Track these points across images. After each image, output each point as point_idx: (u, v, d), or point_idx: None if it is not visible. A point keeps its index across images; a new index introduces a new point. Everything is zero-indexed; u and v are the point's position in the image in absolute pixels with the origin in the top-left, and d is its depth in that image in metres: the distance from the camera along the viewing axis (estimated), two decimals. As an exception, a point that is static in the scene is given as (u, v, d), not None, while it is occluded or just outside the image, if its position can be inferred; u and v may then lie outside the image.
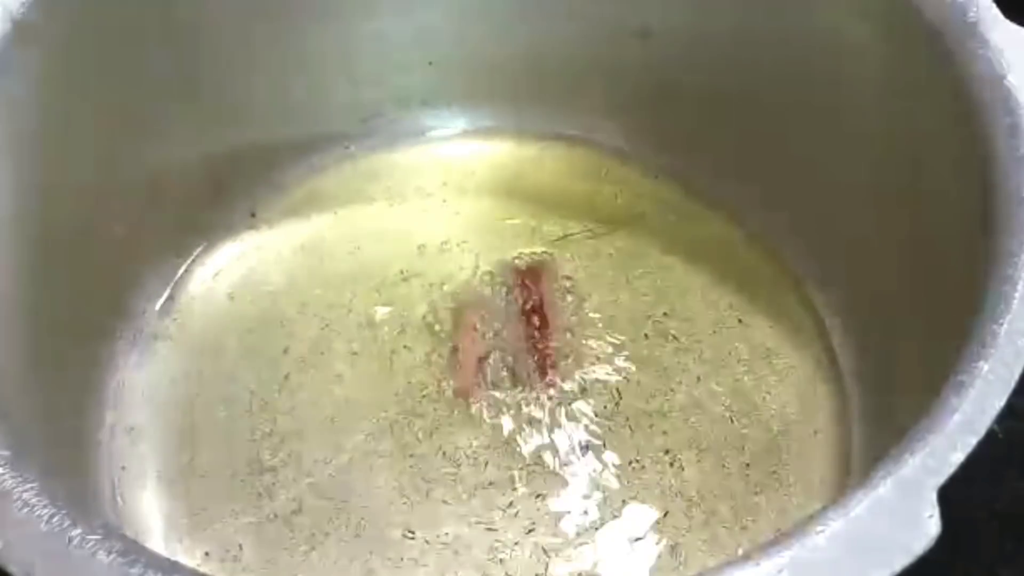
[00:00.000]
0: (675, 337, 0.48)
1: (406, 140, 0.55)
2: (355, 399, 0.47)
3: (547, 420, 0.46)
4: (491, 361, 0.47)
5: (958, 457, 0.30)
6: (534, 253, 0.51)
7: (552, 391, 0.46)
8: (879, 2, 0.42)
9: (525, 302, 0.49)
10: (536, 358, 0.47)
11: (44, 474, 0.31)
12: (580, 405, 0.46)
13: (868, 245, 0.46)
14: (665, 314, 0.49)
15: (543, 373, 0.47)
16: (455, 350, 0.47)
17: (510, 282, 0.50)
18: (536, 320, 0.48)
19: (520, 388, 0.46)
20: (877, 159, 0.44)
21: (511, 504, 0.44)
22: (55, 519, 0.29)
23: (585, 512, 0.43)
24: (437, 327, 0.49)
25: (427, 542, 0.43)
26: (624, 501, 0.44)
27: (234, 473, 0.45)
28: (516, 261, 0.51)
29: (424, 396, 0.47)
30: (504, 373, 0.47)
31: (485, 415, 0.46)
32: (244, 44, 0.49)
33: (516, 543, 0.43)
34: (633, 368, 0.47)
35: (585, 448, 0.45)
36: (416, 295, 0.50)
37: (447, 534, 0.43)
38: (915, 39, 0.40)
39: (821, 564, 0.28)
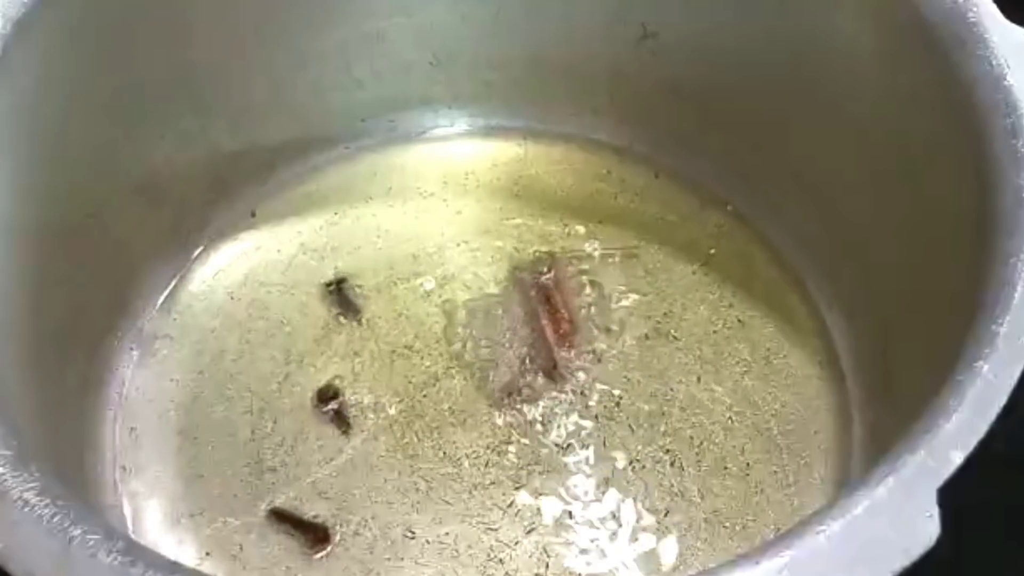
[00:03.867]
0: (675, 337, 0.48)
1: (406, 140, 0.55)
2: (355, 399, 0.47)
3: (547, 420, 0.46)
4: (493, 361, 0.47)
5: (958, 457, 0.30)
6: (534, 253, 0.51)
7: (552, 391, 0.46)
8: (879, 2, 0.42)
9: (525, 302, 0.49)
10: (536, 359, 0.47)
11: (44, 474, 0.31)
12: (580, 405, 0.46)
13: (868, 245, 0.46)
14: (665, 314, 0.49)
15: (543, 373, 0.47)
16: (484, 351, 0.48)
17: (510, 282, 0.50)
18: (536, 320, 0.48)
19: (520, 388, 0.46)
20: (877, 159, 0.44)
21: (511, 504, 0.44)
22: (55, 519, 0.29)
23: (585, 512, 0.43)
24: (437, 327, 0.49)
25: (427, 542, 0.43)
26: (624, 501, 0.44)
27: (234, 473, 0.45)
28: (516, 261, 0.51)
29: (424, 396, 0.47)
30: (505, 373, 0.47)
31: (485, 415, 0.46)
32: (244, 44, 0.49)
33: (516, 543, 0.43)
34: (633, 368, 0.47)
35: (585, 448, 0.45)
36: (416, 295, 0.50)
37: (447, 534, 0.43)
38: (915, 39, 0.40)
39: (821, 564, 0.28)
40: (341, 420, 0.46)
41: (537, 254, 0.51)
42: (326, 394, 0.46)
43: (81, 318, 0.46)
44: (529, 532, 0.43)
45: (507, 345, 0.48)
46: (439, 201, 0.53)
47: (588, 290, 0.49)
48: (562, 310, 0.48)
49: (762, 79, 0.48)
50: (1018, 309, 0.32)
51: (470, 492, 0.44)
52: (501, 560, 0.42)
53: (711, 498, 0.44)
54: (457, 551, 0.43)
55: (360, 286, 0.50)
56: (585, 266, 0.50)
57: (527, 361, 0.47)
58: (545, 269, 0.50)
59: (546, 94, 0.54)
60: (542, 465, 0.45)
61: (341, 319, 0.49)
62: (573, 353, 0.47)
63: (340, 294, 0.49)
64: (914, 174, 0.42)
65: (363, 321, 0.49)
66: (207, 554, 0.43)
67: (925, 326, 0.39)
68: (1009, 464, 0.43)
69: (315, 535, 0.43)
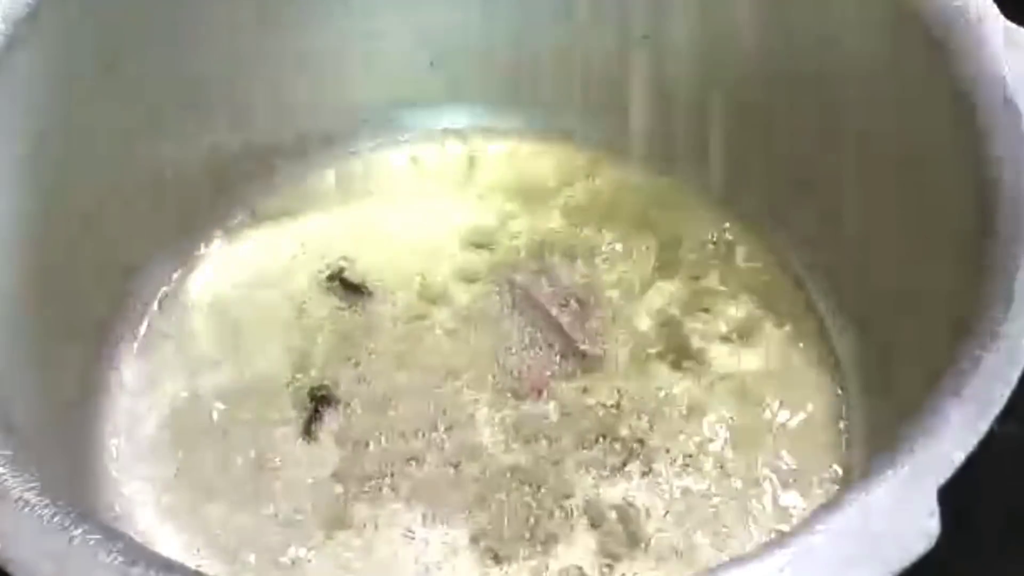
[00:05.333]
0: (675, 337, 0.48)
1: (406, 140, 0.55)
2: (354, 400, 0.46)
3: (548, 420, 0.46)
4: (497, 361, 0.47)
5: (958, 457, 0.30)
6: (534, 253, 0.51)
7: (554, 392, 0.46)
8: (879, 3, 0.42)
9: (527, 301, 0.49)
10: (536, 360, 0.47)
11: (44, 474, 0.31)
12: (581, 405, 0.46)
13: (868, 245, 0.46)
14: (665, 314, 0.49)
15: (569, 358, 0.47)
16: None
17: (511, 282, 0.50)
18: (543, 313, 0.48)
19: (547, 379, 0.46)
20: (877, 159, 0.44)
21: (511, 503, 0.44)
22: (55, 519, 0.29)
23: (585, 512, 0.43)
24: (438, 327, 0.48)
25: (427, 542, 0.43)
26: (625, 501, 0.44)
27: (234, 473, 0.45)
28: (517, 261, 0.51)
29: (425, 395, 0.46)
30: (508, 373, 0.47)
31: (487, 414, 0.46)
32: (244, 44, 0.49)
33: (517, 543, 0.43)
34: (633, 368, 0.47)
35: (585, 449, 0.45)
36: (417, 295, 0.50)
37: (447, 534, 0.43)
38: (915, 39, 0.40)
39: (821, 564, 0.28)
40: (308, 426, 0.45)
41: (536, 254, 0.51)
42: (315, 395, 0.46)
43: (81, 318, 0.46)
44: (529, 532, 0.43)
45: (519, 342, 0.48)
46: (439, 201, 0.53)
47: (589, 290, 0.49)
48: (565, 300, 0.48)
49: (761, 79, 0.48)
50: (1018, 309, 0.32)
51: (470, 491, 0.44)
52: (501, 560, 0.42)
53: (711, 498, 0.44)
54: (457, 551, 0.42)
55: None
56: (585, 266, 0.50)
57: (550, 351, 0.47)
58: (540, 270, 0.50)
59: (546, 94, 0.54)
60: (542, 465, 0.44)
61: (352, 310, 0.49)
62: (588, 334, 0.47)
63: (342, 282, 0.49)
64: (914, 174, 0.42)
65: (363, 320, 0.49)
66: (207, 554, 0.43)
67: (925, 326, 0.39)
68: (1009, 464, 0.43)
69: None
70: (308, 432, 0.45)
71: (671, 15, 0.50)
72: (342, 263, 0.50)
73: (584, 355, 0.47)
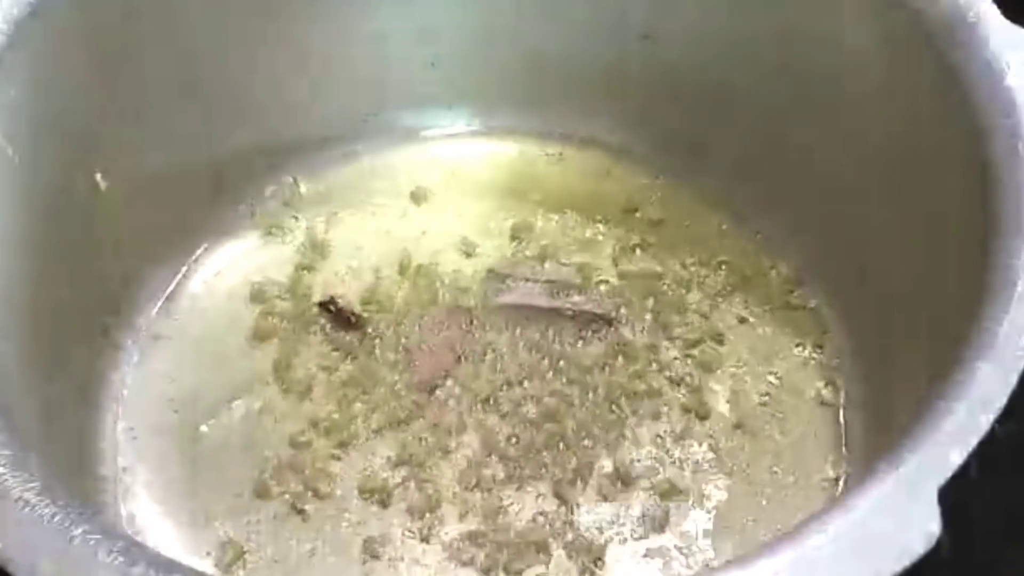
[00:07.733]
0: (674, 338, 0.48)
1: (406, 140, 0.55)
2: (354, 399, 0.47)
3: (550, 419, 0.46)
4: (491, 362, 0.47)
5: (958, 457, 0.30)
6: (535, 253, 0.51)
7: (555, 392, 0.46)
8: (879, 3, 0.42)
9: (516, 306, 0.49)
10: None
11: (44, 474, 0.31)
12: (575, 411, 0.46)
13: (868, 245, 0.46)
14: (665, 314, 0.49)
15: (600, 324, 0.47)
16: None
17: (502, 285, 0.50)
18: (527, 317, 0.48)
19: (518, 390, 0.46)
20: (877, 159, 0.44)
21: (513, 503, 0.44)
22: (56, 519, 0.29)
23: (586, 512, 0.43)
24: (437, 327, 0.48)
25: (427, 541, 0.43)
26: (625, 501, 0.44)
27: (234, 473, 0.45)
28: (513, 261, 0.51)
29: (427, 393, 0.46)
30: (503, 374, 0.47)
31: (487, 417, 0.46)
32: (244, 44, 0.49)
33: (518, 542, 0.43)
34: (634, 369, 0.47)
35: (585, 451, 0.45)
36: (417, 295, 0.50)
37: (448, 533, 0.43)
38: (915, 39, 0.40)
39: (821, 564, 0.28)
40: (343, 320, 0.48)
41: (535, 254, 0.51)
42: (326, 303, 0.48)
43: (81, 318, 0.46)
44: (531, 531, 0.43)
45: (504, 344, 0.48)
46: (439, 201, 0.53)
47: (587, 290, 0.49)
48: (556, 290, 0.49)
49: (762, 79, 0.48)
50: (1018, 309, 0.32)
51: (471, 491, 0.44)
52: (503, 559, 0.42)
53: (711, 498, 0.44)
54: (458, 549, 0.42)
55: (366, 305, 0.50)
56: (585, 266, 0.50)
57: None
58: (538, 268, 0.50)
59: (546, 94, 0.54)
60: (543, 465, 0.44)
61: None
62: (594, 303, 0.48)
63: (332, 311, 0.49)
64: (914, 174, 0.42)
65: (365, 322, 0.49)
66: (208, 554, 0.43)
67: (925, 327, 0.39)
68: (1009, 464, 0.43)
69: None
70: (346, 326, 0.48)
71: (672, 15, 0.50)
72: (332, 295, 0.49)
73: (592, 317, 0.47)
